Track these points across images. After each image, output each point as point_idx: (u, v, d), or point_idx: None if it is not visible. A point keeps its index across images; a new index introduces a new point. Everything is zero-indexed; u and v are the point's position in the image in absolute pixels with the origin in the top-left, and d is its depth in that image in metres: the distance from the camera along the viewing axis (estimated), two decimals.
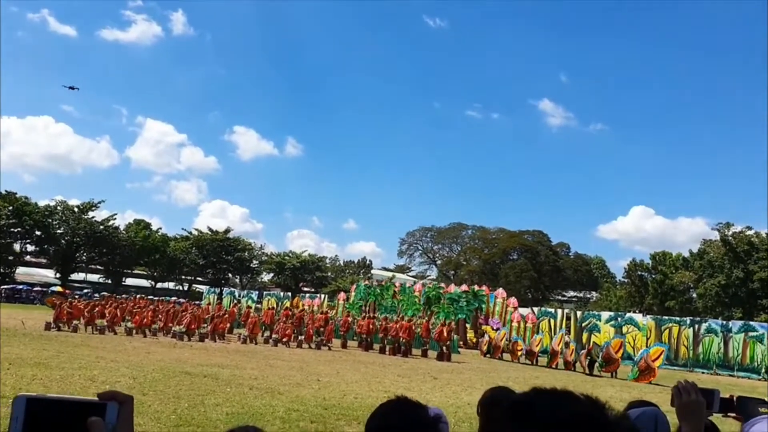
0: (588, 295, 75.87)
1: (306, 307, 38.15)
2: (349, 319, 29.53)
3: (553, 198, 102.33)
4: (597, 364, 23.08)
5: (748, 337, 29.77)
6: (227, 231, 67.80)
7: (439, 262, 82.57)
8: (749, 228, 48.91)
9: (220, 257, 65.35)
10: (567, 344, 25.15)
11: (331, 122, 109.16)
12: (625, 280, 62.28)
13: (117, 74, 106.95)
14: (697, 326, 31.87)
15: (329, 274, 72.69)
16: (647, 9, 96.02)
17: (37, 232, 56.49)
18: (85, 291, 51.05)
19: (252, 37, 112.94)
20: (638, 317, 35.31)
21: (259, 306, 39.99)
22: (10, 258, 56.98)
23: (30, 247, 59.01)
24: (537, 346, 25.87)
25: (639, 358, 22.37)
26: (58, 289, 47.25)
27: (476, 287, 38.49)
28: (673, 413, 1.86)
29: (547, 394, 0.87)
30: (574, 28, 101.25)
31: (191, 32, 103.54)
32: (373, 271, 71.71)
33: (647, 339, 31.57)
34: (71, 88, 54.39)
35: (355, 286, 42.49)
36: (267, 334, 25.87)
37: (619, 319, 34.38)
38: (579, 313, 37.49)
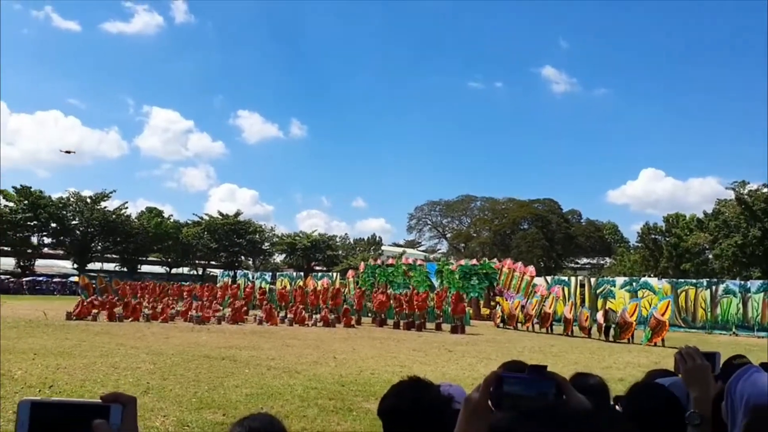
0: (602, 261, 75.57)
1: (319, 287, 38.17)
2: (361, 295, 29.70)
3: (561, 165, 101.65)
4: (612, 330, 23.09)
5: None
6: (237, 214, 68.12)
7: (449, 235, 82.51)
8: (766, 185, 48.12)
9: (232, 240, 65.75)
10: (580, 313, 25.20)
11: (333, 102, 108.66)
12: (639, 245, 61.85)
13: (122, 65, 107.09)
14: (714, 288, 31.66)
15: (340, 252, 72.92)
16: None
17: (53, 225, 57.15)
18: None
19: (251, 21, 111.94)
20: (653, 281, 35.14)
21: (272, 287, 40.30)
22: (29, 251, 57.85)
23: (47, 240, 59.73)
24: (550, 307, 26.04)
25: (648, 316, 22.46)
26: (77, 279, 47.93)
27: (486, 260, 38.34)
28: None
29: (531, 420, 0.81)
30: None
31: (192, 20, 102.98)
32: (383, 248, 71.94)
33: None
34: (68, 152, 59.47)
35: (363, 265, 42.19)
36: (282, 314, 26.15)
37: (634, 284, 34.27)
38: (593, 279, 37.38)
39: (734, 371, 1.80)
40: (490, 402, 1.03)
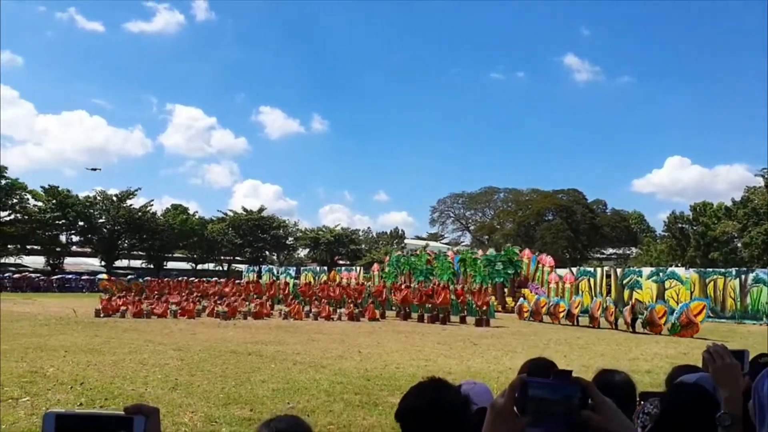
0: (628, 252, 74.50)
1: (344, 280, 38.41)
2: (383, 288, 29.73)
3: (585, 155, 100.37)
4: (640, 321, 22.73)
5: None
6: (261, 210, 68.79)
7: (472, 227, 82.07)
8: None
9: (257, 236, 66.43)
10: (605, 308, 24.72)
11: (353, 96, 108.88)
12: (666, 234, 60.81)
13: (145, 64, 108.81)
14: (743, 277, 31.00)
15: (363, 246, 73.19)
16: None
17: (81, 223, 58.42)
18: (129, 277, 52.68)
19: (271, 17, 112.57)
20: (681, 271, 34.52)
21: (297, 282, 40.64)
22: (58, 249, 59.21)
23: (75, 238, 61.09)
24: (576, 308, 25.54)
25: (678, 312, 21.94)
26: (104, 276, 48.91)
27: (510, 245, 38.30)
28: None
29: None
30: None
31: (213, 18, 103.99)
32: (406, 241, 71.89)
33: (691, 293, 30.91)
34: (93, 169, 59.94)
35: (388, 257, 42.45)
36: (306, 308, 26.34)
37: (660, 274, 33.69)
38: (619, 270, 36.86)
39: (761, 370, 1.75)
40: (515, 407, 1.02)
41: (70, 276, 53.57)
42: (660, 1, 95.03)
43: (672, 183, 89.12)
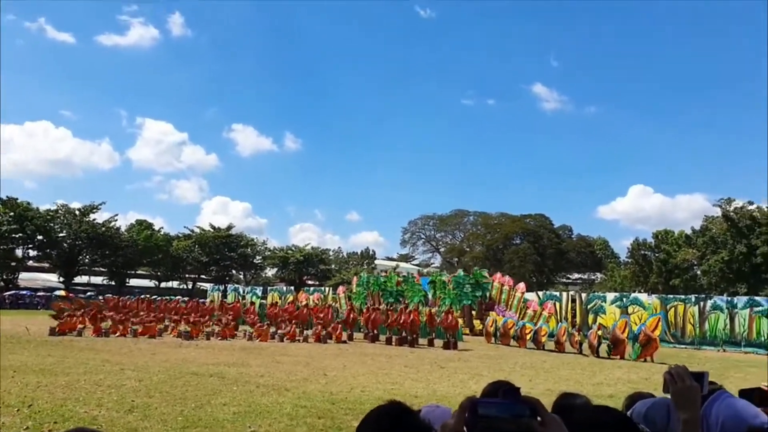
0: (592, 277, 75.77)
1: (308, 302, 37.81)
2: (353, 313, 29.39)
3: (552, 181, 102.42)
4: (605, 346, 23.01)
5: (754, 312, 29.67)
6: (229, 228, 67.76)
7: (442, 249, 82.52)
8: (751, 203, 48.56)
9: (223, 254, 65.30)
10: (570, 334, 24.95)
11: (328, 117, 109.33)
12: (629, 260, 62.11)
13: (116, 77, 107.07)
14: (702, 303, 31.78)
15: (333, 266, 72.64)
16: None
17: (39, 237, 56.38)
18: (89, 294, 51.05)
19: (247, 35, 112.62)
20: (643, 297, 35.22)
21: (263, 302, 39.96)
22: (13, 264, 56.93)
23: (32, 252, 58.96)
24: (543, 336, 25.66)
25: (638, 332, 22.36)
26: (62, 293, 47.20)
27: (478, 269, 38.55)
28: None
29: None
30: (559, 12, 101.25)
31: (189, 33, 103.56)
32: (376, 262, 71.75)
33: None
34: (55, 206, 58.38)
35: (357, 278, 42.29)
36: (272, 330, 25.86)
37: (624, 299, 34.30)
38: (584, 295, 37.40)
39: (707, 396, 1.75)
40: (465, 427, 1.02)
41: (24, 292, 51.51)
42: (625, 37, 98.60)
43: (635, 210, 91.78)
